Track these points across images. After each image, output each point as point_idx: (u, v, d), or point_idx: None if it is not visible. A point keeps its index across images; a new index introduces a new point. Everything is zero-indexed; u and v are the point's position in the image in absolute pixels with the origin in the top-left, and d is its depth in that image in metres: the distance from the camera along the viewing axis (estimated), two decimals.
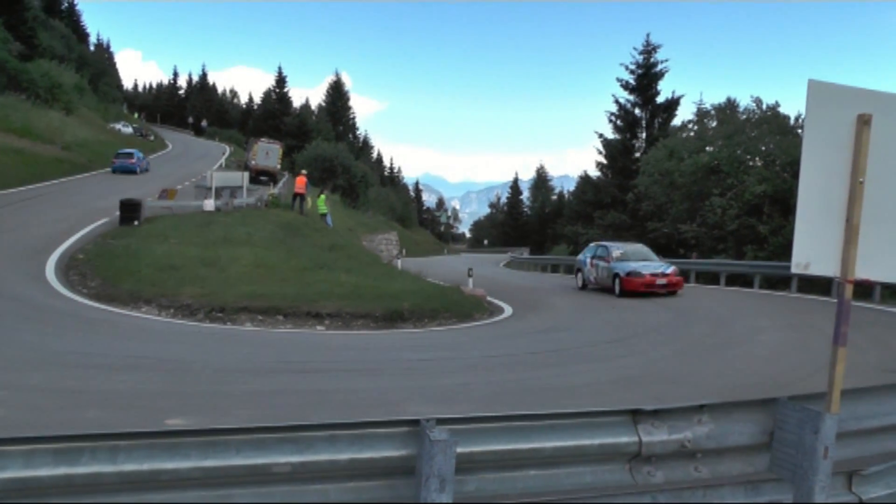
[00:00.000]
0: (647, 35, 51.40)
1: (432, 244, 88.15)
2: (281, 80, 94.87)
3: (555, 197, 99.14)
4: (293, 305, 16.20)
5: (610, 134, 52.15)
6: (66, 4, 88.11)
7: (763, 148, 34.85)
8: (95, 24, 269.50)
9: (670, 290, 21.82)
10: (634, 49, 50.80)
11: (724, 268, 27.44)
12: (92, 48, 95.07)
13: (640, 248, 25.27)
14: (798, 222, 3.92)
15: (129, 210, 25.07)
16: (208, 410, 7.54)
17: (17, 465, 2.85)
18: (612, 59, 76.40)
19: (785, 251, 26.89)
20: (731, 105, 40.42)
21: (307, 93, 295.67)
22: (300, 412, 7.57)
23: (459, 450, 3.36)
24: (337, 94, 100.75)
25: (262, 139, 52.10)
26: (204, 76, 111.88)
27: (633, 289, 21.60)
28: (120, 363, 10.09)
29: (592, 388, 9.66)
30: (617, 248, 24.29)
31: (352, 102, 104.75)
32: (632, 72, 50.62)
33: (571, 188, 78.19)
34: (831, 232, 3.89)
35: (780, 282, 25.11)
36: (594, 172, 55.38)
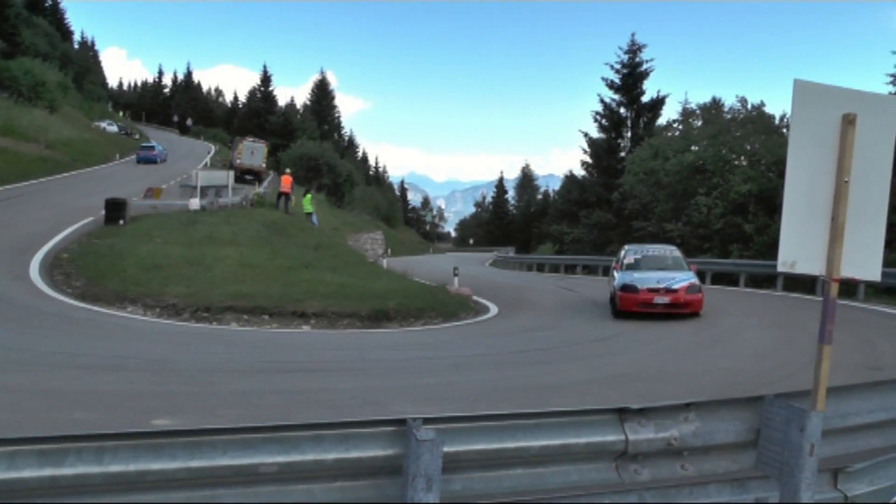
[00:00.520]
0: (633, 35, 51.45)
1: (418, 243, 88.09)
2: (266, 79, 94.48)
3: (540, 196, 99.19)
4: (278, 305, 16.16)
5: (595, 133, 52.29)
6: (50, 2, 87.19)
7: (748, 147, 35.07)
8: (80, 22, 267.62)
9: (677, 311, 16.35)
10: (620, 48, 50.98)
11: (709, 266, 27.55)
12: (76, 46, 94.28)
13: (665, 252, 19.35)
14: (784, 221, 3.94)
15: (115, 209, 24.90)
16: (194, 410, 7.51)
17: (1, 467, 2.82)
18: (598, 59, 76.85)
19: (770, 250, 27.06)
20: (716, 104, 40.67)
21: (292, 92, 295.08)
22: (286, 412, 7.55)
23: (446, 449, 3.35)
24: (322, 92, 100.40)
25: (248, 138, 51.88)
26: (189, 74, 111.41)
27: (626, 308, 16.64)
28: (105, 363, 10.03)
29: (578, 386, 9.68)
30: (633, 252, 19.14)
31: (337, 101, 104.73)
32: (617, 71, 50.73)
33: (557, 187, 78.31)
34: (817, 231, 3.92)
35: (765, 280, 25.27)
36: (579, 171, 55.59)
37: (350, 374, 10.36)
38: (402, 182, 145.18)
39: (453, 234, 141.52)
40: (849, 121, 3.84)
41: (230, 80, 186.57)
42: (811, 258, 3.95)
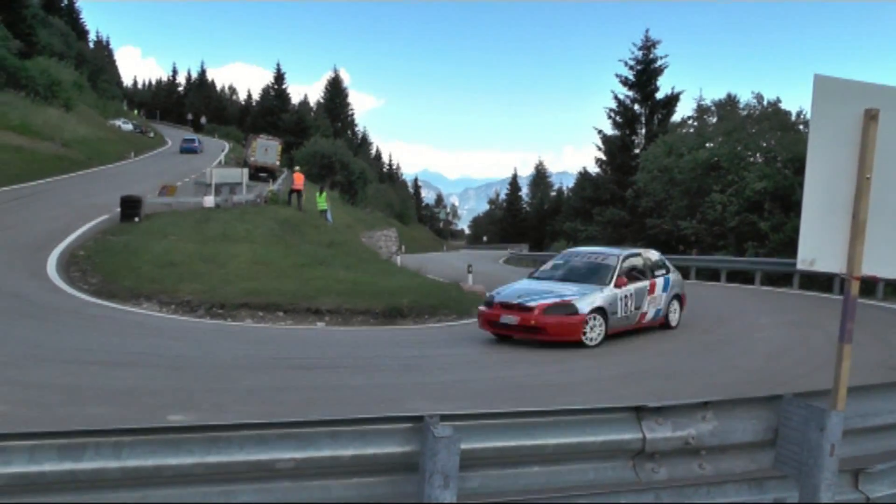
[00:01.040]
0: (647, 31, 51.43)
1: (431, 241, 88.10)
2: (279, 77, 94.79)
3: (554, 193, 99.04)
4: (293, 302, 16.18)
5: (609, 130, 52.13)
6: (66, 2, 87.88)
7: (764, 144, 34.86)
8: (94, 22, 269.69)
9: (528, 335, 12.54)
10: (633, 45, 50.71)
11: (724, 264, 27.43)
12: (91, 45, 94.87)
13: (598, 258, 14.12)
14: (804, 218, 3.90)
15: (130, 207, 25.04)
16: (210, 407, 7.54)
17: (22, 461, 2.84)
18: (611, 56, 76.53)
19: (786, 248, 26.89)
20: (731, 101, 40.39)
21: (305, 89, 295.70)
22: (301, 408, 7.57)
23: (463, 446, 3.35)
24: (335, 90, 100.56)
25: (261, 136, 52.00)
26: (203, 73, 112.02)
27: (481, 326, 13.41)
28: (121, 359, 10.10)
29: (593, 384, 9.67)
30: (562, 257, 15.40)
31: (350, 99, 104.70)
32: (631, 68, 50.50)
33: (570, 185, 78.19)
34: (837, 228, 3.87)
35: (781, 278, 25.09)
36: (593, 169, 55.45)
37: (364, 371, 10.37)
38: (416, 179, 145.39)
39: (467, 231, 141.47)
40: (871, 116, 3.79)
41: (244, 78, 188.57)
42: (831, 256, 3.91)
